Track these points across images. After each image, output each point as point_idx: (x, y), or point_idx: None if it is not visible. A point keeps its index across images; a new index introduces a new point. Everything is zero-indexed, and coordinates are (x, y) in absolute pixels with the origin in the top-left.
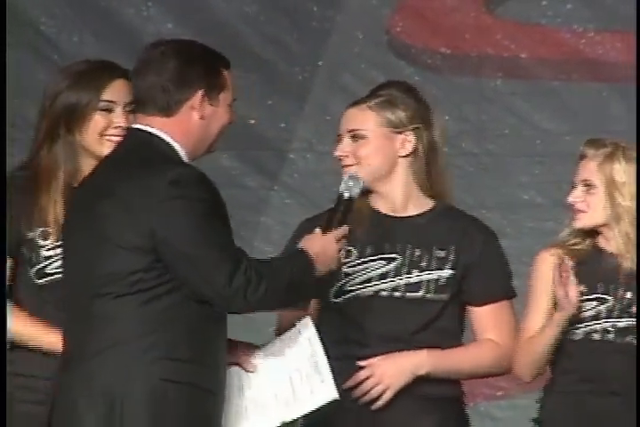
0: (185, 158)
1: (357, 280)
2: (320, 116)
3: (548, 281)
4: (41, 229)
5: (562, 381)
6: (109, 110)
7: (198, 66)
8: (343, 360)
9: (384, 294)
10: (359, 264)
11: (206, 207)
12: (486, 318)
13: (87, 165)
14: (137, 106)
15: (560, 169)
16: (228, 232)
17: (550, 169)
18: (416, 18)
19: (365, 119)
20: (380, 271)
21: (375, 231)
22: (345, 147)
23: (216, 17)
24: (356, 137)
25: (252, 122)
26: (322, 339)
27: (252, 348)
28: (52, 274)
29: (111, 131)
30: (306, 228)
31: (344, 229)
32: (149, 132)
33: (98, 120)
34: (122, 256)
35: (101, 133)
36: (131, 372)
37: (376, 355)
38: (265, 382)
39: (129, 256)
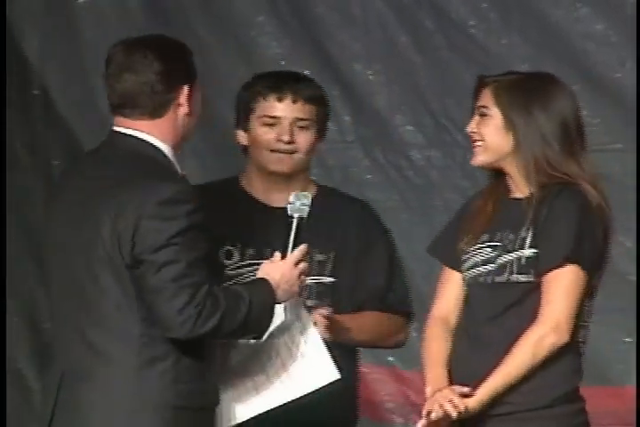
0: (170, 155)
1: None
2: None
3: None
4: None
5: None
6: None
7: (178, 61)
8: None
9: None
10: None
11: (178, 232)
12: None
13: None
14: (118, 110)
15: None
16: (192, 259)
17: None
18: None
19: None
20: None
21: None
22: None
23: None
24: None
25: None
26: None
27: None
28: None
29: None
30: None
31: (301, 251)
32: (137, 137)
33: None
34: (109, 273)
35: None
36: (138, 400)
37: None
38: (264, 362)
39: (123, 274)
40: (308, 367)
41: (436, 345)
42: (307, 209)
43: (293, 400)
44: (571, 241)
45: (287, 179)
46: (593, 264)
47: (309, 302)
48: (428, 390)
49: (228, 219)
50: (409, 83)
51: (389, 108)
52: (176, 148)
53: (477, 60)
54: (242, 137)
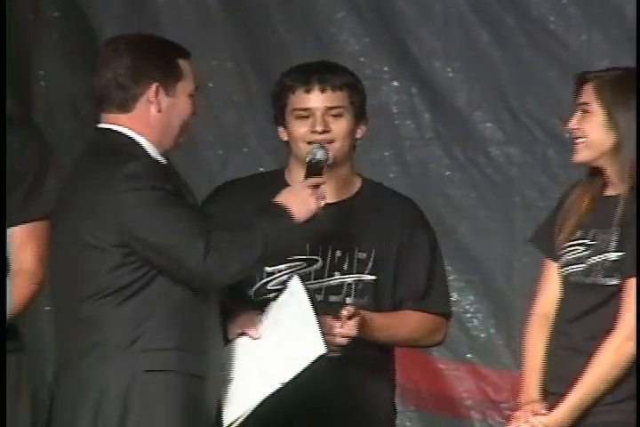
0: (152, 151)
1: None
2: None
3: None
4: None
5: None
6: None
7: (150, 58)
8: None
9: None
10: None
11: (161, 195)
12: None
13: None
14: (99, 105)
15: None
16: (188, 213)
17: None
18: None
19: None
20: None
21: None
22: None
23: None
24: None
25: None
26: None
27: (256, 315)
28: None
29: None
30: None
31: (317, 180)
32: (112, 130)
33: None
34: (95, 256)
35: None
36: (115, 368)
37: None
38: (263, 345)
39: (102, 255)
40: (300, 343)
41: (534, 347)
42: (329, 156)
43: (285, 386)
44: None
45: (329, 170)
46: None
47: (349, 300)
48: (521, 398)
49: None
50: (488, 79)
51: (469, 105)
52: (159, 145)
53: (557, 57)
54: (282, 133)
